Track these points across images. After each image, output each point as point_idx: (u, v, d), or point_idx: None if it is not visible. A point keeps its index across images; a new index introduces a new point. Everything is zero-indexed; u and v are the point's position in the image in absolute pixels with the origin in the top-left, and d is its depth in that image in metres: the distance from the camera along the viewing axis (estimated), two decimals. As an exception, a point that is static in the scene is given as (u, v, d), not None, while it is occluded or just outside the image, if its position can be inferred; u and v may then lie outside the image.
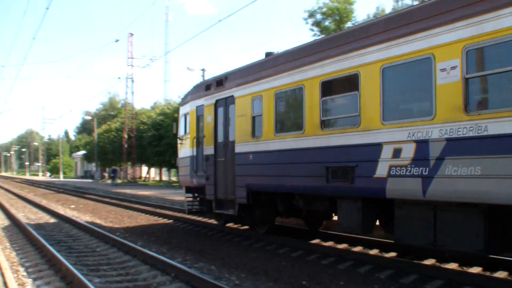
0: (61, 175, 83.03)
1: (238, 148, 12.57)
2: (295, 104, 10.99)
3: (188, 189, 15.74)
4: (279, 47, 12.79)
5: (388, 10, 34.21)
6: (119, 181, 56.03)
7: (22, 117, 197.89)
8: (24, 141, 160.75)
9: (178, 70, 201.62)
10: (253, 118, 12.04)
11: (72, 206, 24.87)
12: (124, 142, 56.47)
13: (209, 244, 12.77)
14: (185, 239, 13.78)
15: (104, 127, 68.82)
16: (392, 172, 8.07)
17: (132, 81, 59.50)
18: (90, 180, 65.31)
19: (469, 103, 6.99)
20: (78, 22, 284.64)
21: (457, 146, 7.04)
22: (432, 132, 7.43)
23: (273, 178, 11.36)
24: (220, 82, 13.69)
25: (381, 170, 8.27)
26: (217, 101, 13.76)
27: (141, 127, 54.21)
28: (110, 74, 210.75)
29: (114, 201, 27.40)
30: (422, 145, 7.57)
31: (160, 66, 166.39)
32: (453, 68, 7.24)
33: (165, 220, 18.53)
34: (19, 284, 7.82)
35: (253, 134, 12.00)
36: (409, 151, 7.78)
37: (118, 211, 22.49)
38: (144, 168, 71.99)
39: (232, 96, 12.93)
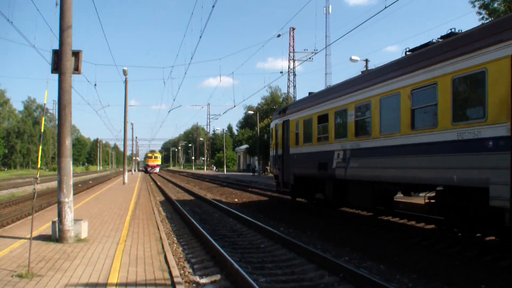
0: (225, 169, 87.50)
1: (290, 151, 20.55)
2: (309, 127, 18.47)
3: (276, 177, 23.08)
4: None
5: None
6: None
7: (189, 113, 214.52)
8: (190, 137, 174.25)
9: (339, 62, 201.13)
10: (296, 133, 19.85)
11: (236, 200, 25.33)
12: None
13: (370, 240, 12.44)
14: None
15: (266, 121, 71.03)
16: (340, 164, 15.37)
17: (294, 75, 60.23)
18: (251, 174, 67.55)
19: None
20: (240, 20, 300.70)
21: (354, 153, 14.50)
22: (347, 145, 14.97)
23: (302, 168, 19.15)
24: (284, 110, 22.09)
25: (329, 164, 16.10)
26: (283, 121, 21.58)
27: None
28: (271, 69, 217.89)
29: (275, 194, 27.22)
30: (344, 151, 15.05)
31: (321, 59, 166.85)
32: None
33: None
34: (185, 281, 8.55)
35: (296, 142, 19.81)
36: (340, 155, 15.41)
37: (274, 203, 22.19)
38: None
39: (288, 119, 20.97)
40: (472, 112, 9.79)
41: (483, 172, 9.08)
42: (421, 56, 11.58)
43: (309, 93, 20.05)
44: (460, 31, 11.18)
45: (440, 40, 11.65)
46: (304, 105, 19.27)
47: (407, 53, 12.80)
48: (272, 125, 23.82)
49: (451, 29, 11.53)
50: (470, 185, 9.70)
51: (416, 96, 11.39)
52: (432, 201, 12.16)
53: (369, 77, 14.26)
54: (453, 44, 10.53)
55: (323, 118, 16.88)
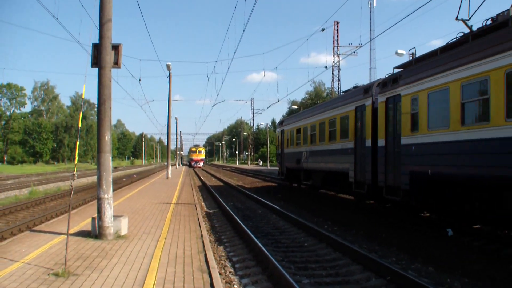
0: (268, 164, 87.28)
1: (284, 151, 31.01)
2: (293, 136, 29.56)
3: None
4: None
5: None
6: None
7: (233, 108, 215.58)
8: (234, 131, 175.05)
9: (384, 57, 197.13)
10: (287, 139, 30.00)
11: (279, 195, 25.01)
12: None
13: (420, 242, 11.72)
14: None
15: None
16: (304, 160, 25.60)
17: (338, 69, 59.46)
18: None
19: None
20: (283, 14, 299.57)
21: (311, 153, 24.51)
22: (307, 148, 25.24)
23: (289, 163, 29.38)
24: (281, 123, 32.72)
25: (300, 160, 26.55)
26: (281, 130, 32.34)
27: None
28: (315, 64, 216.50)
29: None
30: (307, 152, 25.01)
31: (366, 53, 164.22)
32: None
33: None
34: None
35: (287, 145, 29.81)
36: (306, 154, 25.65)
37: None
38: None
39: (283, 129, 31.58)
40: None
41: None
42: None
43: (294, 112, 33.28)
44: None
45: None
46: (291, 121, 30.44)
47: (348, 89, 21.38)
48: (278, 131, 35.73)
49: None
50: (340, 171, 20.00)
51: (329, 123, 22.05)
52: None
53: (325, 105, 24.13)
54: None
55: (299, 131, 27.51)
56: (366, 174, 17.01)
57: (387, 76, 16.39)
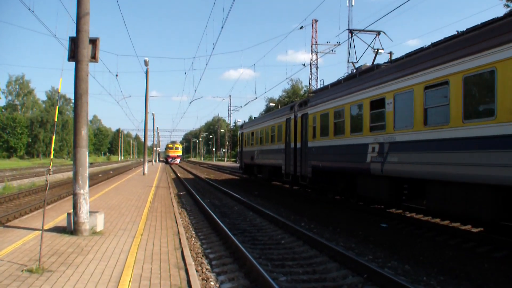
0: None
1: (243, 149, 38.05)
2: (249, 137, 37.11)
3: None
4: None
5: None
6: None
7: (210, 105, 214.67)
8: (211, 128, 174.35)
9: (364, 55, 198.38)
10: (245, 140, 37.45)
11: (256, 192, 24.99)
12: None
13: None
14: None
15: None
16: (256, 157, 33.01)
17: (316, 67, 59.69)
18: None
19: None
20: (262, 11, 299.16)
21: (260, 152, 32.04)
22: (258, 148, 32.61)
23: (246, 159, 36.75)
24: (242, 126, 41.24)
25: (254, 157, 33.96)
26: (241, 132, 39.72)
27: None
28: (292, 62, 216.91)
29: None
30: (258, 151, 32.32)
31: (344, 51, 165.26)
32: None
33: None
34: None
35: (245, 145, 37.56)
36: (257, 153, 33.06)
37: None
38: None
39: (243, 132, 38.90)
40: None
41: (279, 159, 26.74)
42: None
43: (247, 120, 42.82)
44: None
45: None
46: (248, 126, 37.77)
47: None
48: (239, 133, 42.66)
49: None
50: (278, 165, 26.70)
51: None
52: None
53: (270, 115, 31.34)
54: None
55: (253, 134, 34.44)
56: (291, 167, 23.89)
57: (304, 99, 25.45)
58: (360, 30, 21.23)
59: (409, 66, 13.11)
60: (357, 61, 20.53)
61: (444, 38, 12.52)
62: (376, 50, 19.71)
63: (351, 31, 21.92)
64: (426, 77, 12.03)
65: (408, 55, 14.27)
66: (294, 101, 79.87)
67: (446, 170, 11.08)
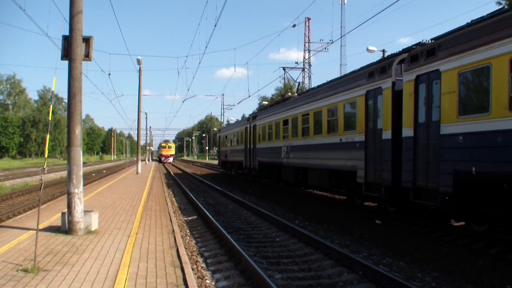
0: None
1: (221, 149, 48.12)
2: (224, 140, 46.42)
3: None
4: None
5: None
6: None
7: (203, 103, 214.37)
8: (204, 127, 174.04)
9: (355, 53, 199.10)
10: (222, 141, 47.90)
11: (250, 191, 25.00)
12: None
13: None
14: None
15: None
16: (229, 155, 42.46)
17: (309, 65, 59.69)
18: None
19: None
20: (256, 9, 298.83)
21: (231, 151, 41.71)
22: (230, 148, 42.35)
23: (222, 157, 47.19)
24: (219, 130, 54.19)
25: (227, 155, 43.48)
26: (219, 135, 50.68)
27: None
28: (284, 60, 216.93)
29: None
30: (229, 150, 42.54)
31: (336, 49, 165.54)
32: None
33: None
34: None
35: (222, 145, 47.34)
36: (229, 152, 43.18)
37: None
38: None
39: (219, 135, 50.81)
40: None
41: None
42: None
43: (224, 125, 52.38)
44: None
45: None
46: (223, 130, 47.06)
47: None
48: (217, 135, 52.85)
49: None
50: (241, 161, 36.81)
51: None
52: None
53: (237, 123, 40.95)
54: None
55: (226, 137, 42.80)
56: (248, 162, 32.90)
57: (254, 114, 32.92)
58: (291, 68, 37.19)
59: (295, 102, 23.12)
60: (291, 91, 36.58)
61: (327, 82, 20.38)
62: (298, 83, 36.69)
63: (284, 68, 35.38)
64: (303, 109, 20.99)
65: (309, 90, 25.27)
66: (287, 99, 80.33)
67: (311, 162, 19.79)
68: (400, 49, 14.30)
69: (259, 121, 29.93)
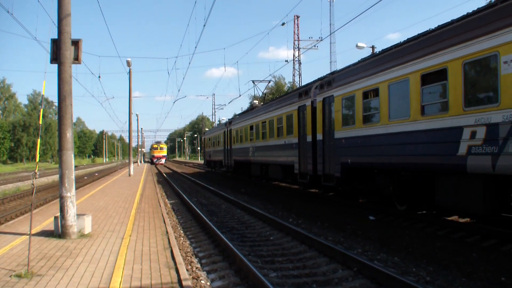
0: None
1: (206, 149, 56.01)
2: (216, 139, 47.92)
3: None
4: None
5: None
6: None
7: (194, 104, 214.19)
8: (196, 127, 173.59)
9: (344, 50, 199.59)
10: (207, 140, 54.58)
11: (243, 190, 25.01)
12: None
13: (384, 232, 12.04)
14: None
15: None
16: (212, 155, 50.00)
17: (299, 63, 59.80)
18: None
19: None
20: (245, 8, 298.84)
21: (214, 151, 50.86)
22: (219, 148, 45.69)
23: (208, 156, 53.82)
24: (204, 133, 62.49)
25: (210, 155, 51.93)
26: (204, 138, 59.47)
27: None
28: (273, 59, 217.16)
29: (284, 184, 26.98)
30: (212, 151, 50.71)
31: (326, 46, 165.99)
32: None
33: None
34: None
35: (208, 146, 54.30)
36: (212, 151, 51.42)
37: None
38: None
39: (204, 138, 59.82)
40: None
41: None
42: None
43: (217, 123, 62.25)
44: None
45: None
46: (207, 133, 54.02)
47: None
48: (203, 137, 54.58)
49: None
50: (221, 159, 43.64)
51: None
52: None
53: (216, 128, 50.43)
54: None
55: (210, 139, 50.19)
56: (228, 160, 37.86)
57: (230, 119, 39.77)
58: (260, 81, 38.88)
59: (257, 111, 28.47)
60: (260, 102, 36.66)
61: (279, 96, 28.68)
62: (264, 94, 39.61)
63: (253, 81, 38.71)
64: (262, 117, 26.76)
65: (274, 98, 29.66)
66: (276, 98, 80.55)
67: (269, 159, 25.01)
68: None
69: (234, 126, 36.03)
